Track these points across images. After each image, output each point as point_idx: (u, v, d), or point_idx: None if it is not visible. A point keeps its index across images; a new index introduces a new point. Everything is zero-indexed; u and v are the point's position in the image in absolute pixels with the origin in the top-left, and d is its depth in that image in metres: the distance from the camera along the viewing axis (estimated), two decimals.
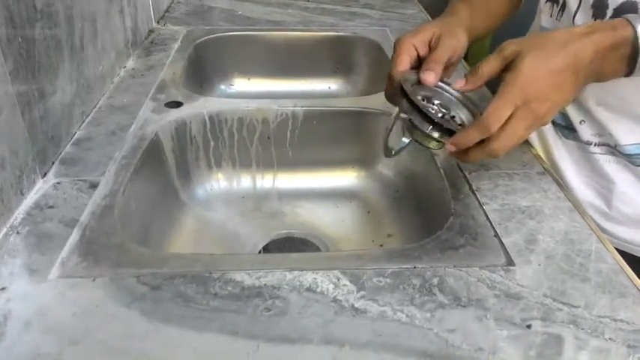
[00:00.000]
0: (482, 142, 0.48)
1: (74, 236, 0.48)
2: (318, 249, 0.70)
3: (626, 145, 0.59)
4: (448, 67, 0.54)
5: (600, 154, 0.61)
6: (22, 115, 0.52)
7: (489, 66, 0.48)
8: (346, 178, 0.78)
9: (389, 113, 0.59)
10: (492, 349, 0.38)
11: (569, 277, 0.45)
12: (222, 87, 1.00)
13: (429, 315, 0.41)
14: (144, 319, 0.40)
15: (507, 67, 0.47)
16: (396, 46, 0.54)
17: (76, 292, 0.42)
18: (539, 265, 0.46)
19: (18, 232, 0.48)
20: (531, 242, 0.49)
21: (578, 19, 0.56)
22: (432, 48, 0.54)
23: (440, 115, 0.51)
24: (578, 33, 0.46)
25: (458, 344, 0.39)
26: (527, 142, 0.66)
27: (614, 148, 0.60)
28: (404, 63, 0.53)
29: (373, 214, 0.74)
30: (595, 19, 0.54)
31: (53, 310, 0.40)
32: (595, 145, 0.61)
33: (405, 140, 0.54)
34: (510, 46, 0.47)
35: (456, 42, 0.54)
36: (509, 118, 0.45)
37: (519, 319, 0.41)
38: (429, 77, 0.51)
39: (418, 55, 0.54)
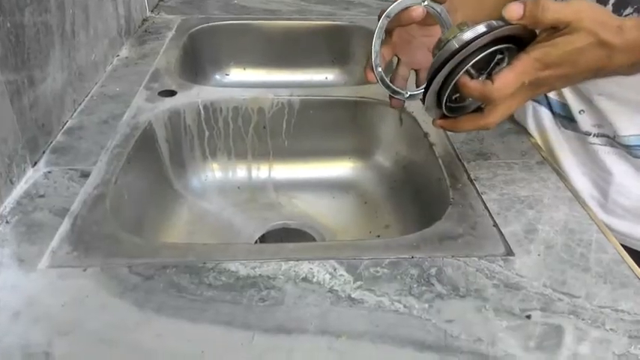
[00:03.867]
0: (474, 112, 0.46)
1: (65, 226, 0.47)
2: (314, 240, 0.69)
3: (625, 135, 0.58)
4: None
5: (599, 144, 0.61)
6: (10, 102, 0.51)
7: (555, 14, 0.41)
8: (343, 168, 0.77)
9: (386, 103, 0.58)
10: (491, 340, 0.38)
11: (570, 267, 0.44)
12: (218, 77, 0.99)
13: (427, 305, 0.40)
14: (136, 309, 0.39)
15: (551, 31, 0.42)
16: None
17: (67, 282, 0.41)
18: (539, 255, 0.46)
19: (7, 222, 0.47)
20: (531, 232, 0.48)
21: None
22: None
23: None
24: (625, 31, 0.42)
25: (456, 335, 0.38)
26: (526, 132, 0.65)
27: (613, 139, 0.59)
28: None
29: (370, 204, 0.73)
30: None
31: (43, 300, 0.40)
32: (594, 135, 0.61)
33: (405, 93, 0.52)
34: (573, 17, 0.41)
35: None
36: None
37: (519, 310, 0.40)
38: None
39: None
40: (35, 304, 0.39)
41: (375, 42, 0.51)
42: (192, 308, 0.39)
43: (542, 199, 0.52)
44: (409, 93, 0.55)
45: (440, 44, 0.44)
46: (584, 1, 0.43)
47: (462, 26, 0.43)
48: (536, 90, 0.45)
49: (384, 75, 0.53)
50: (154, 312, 0.39)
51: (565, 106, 0.62)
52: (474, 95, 0.45)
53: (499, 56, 0.45)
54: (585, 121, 0.60)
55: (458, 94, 0.48)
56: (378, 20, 0.51)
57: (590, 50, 0.42)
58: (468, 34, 0.42)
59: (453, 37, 0.43)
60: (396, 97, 0.55)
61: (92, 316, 0.38)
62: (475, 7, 0.57)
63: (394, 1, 0.49)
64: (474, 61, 0.43)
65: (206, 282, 0.42)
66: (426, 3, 0.50)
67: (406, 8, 0.49)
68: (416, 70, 0.58)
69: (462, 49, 0.42)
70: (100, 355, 0.36)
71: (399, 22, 0.51)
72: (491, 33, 0.42)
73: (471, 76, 0.45)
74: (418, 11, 0.49)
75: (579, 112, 0.60)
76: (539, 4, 0.41)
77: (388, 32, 0.53)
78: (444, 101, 0.46)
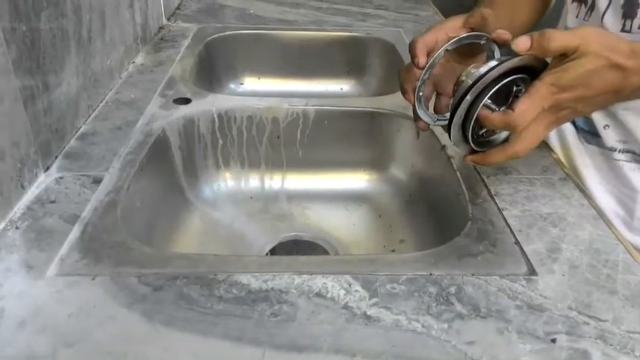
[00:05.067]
0: (501, 143, 0.46)
1: (75, 232, 0.46)
2: (326, 253, 0.68)
3: None
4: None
5: (624, 161, 0.59)
6: (24, 106, 0.50)
7: (561, 42, 0.42)
8: (357, 180, 0.75)
9: (403, 115, 0.57)
10: None
11: (596, 288, 0.42)
12: (232, 86, 0.98)
13: (446, 325, 0.39)
14: (144, 320, 0.38)
15: (561, 58, 0.43)
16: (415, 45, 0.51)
17: (74, 291, 0.40)
18: (563, 275, 0.44)
19: (17, 227, 0.46)
20: (554, 251, 0.46)
21: (607, 20, 0.54)
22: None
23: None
24: (635, 51, 0.43)
25: (477, 357, 0.36)
26: (548, 147, 0.63)
27: (639, 155, 0.58)
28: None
29: (385, 218, 0.71)
30: (625, 20, 0.52)
31: (49, 310, 0.38)
32: (619, 151, 0.59)
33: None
34: (579, 42, 0.42)
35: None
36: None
37: (543, 333, 0.38)
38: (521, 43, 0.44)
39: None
40: (41, 313, 0.38)
41: (427, 70, 0.50)
42: (202, 322, 0.38)
43: (566, 216, 0.51)
44: (436, 119, 0.53)
45: (458, 84, 0.46)
46: (591, 27, 0.44)
47: (477, 65, 0.45)
48: (558, 114, 0.45)
49: (422, 102, 0.53)
50: (163, 324, 0.38)
51: (589, 120, 0.60)
52: (496, 125, 0.45)
53: (516, 88, 0.46)
54: (610, 137, 0.58)
55: (484, 130, 0.49)
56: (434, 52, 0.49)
57: (602, 72, 0.42)
58: (481, 69, 0.45)
59: (469, 75, 0.45)
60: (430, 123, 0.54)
61: (99, 327, 0.37)
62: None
63: (451, 38, 0.49)
64: (491, 92, 0.45)
65: (217, 294, 0.40)
66: (484, 42, 0.50)
67: (465, 43, 0.50)
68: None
69: (477, 82, 0.44)
70: None
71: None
72: (503, 65, 0.44)
73: (493, 111, 0.46)
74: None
75: (604, 127, 0.58)
76: (545, 35, 0.42)
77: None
78: (470, 135, 0.47)
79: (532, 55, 0.44)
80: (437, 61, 0.49)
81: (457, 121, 0.46)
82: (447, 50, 0.49)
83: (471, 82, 0.45)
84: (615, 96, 0.45)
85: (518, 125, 0.43)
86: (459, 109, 0.46)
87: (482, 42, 0.50)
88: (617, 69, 0.43)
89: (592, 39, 0.42)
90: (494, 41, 0.48)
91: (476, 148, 0.49)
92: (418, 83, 0.50)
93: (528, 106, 0.43)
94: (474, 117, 0.45)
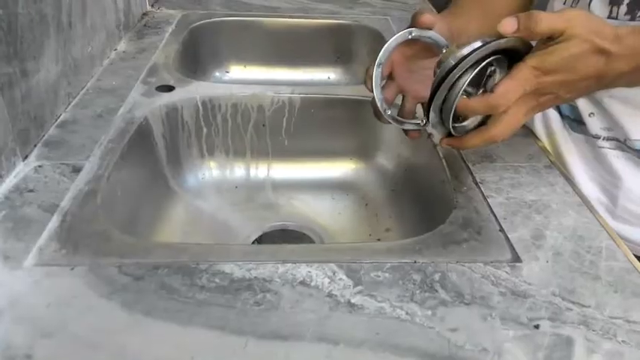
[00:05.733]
0: (479, 127, 0.46)
1: (53, 222, 0.45)
2: (312, 242, 0.67)
3: (636, 139, 0.56)
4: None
5: (609, 148, 0.59)
6: (1, 93, 0.49)
7: (548, 24, 0.41)
8: (343, 169, 0.75)
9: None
10: (498, 350, 0.36)
11: (579, 275, 0.43)
12: (217, 74, 0.97)
13: (430, 312, 0.38)
14: (124, 311, 0.37)
15: (546, 41, 0.43)
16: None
17: (53, 281, 0.39)
18: (547, 261, 0.44)
19: None
20: (538, 238, 0.46)
21: (594, 6, 0.53)
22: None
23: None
24: (619, 36, 0.42)
25: (461, 344, 0.36)
26: (533, 135, 0.63)
27: (623, 143, 0.58)
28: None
29: (371, 207, 0.71)
30: (612, 7, 0.52)
31: (27, 300, 0.38)
32: (603, 139, 0.59)
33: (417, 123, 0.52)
34: (565, 25, 0.41)
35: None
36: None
37: (526, 319, 0.38)
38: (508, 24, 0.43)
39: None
40: (19, 304, 0.37)
41: (376, 92, 0.51)
42: (183, 311, 0.37)
43: (550, 204, 0.51)
44: (425, 120, 0.53)
45: (439, 63, 0.45)
46: (578, 10, 0.43)
47: (460, 45, 0.44)
48: (540, 99, 0.45)
49: (395, 116, 0.53)
50: (143, 315, 0.37)
51: (574, 108, 0.60)
52: (476, 109, 0.44)
53: (490, 68, 0.45)
54: (595, 124, 0.58)
55: (460, 117, 0.48)
56: (371, 70, 0.50)
57: (586, 56, 0.42)
58: (464, 50, 0.43)
59: (451, 55, 0.44)
60: (412, 129, 0.54)
61: (78, 318, 0.36)
62: (481, 24, 0.56)
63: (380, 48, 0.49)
64: (473, 74, 0.43)
65: (199, 284, 0.40)
66: (413, 34, 0.50)
67: (395, 47, 0.50)
68: (422, 103, 0.56)
69: (460, 63, 0.43)
70: (84, 359, 0.34)
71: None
72: (487, 46, 0.43)
73: (469, 95, 0.45)
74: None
75: (589, 114, 0.58)
76: (532, 16, 0.42)
77: (388, 74, 0.53)
78: (449, 119, 0.46)
79: (517, 37, 0.43)
80: (378, 78, 0.50)
81: (437, 103, 0.45)
82: (379, 66, 0.49)
83: (453, 63, 0.43)
84: (598, 82, 0.44)
85: (500, 106, 0.43)
86: (439, 91, 0.45)
87: (411, 36, 0.49)
88: (601, 53, 0.42)
89: (578, 21, 0.41)
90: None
91: (453, 133, 0.48)
92: (378, 104, 0.51)
93: (510, 88, 0.42)
94: (456, 98, 0.44)
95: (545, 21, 0.41)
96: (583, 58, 0.42)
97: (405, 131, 0.55)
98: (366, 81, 0.51)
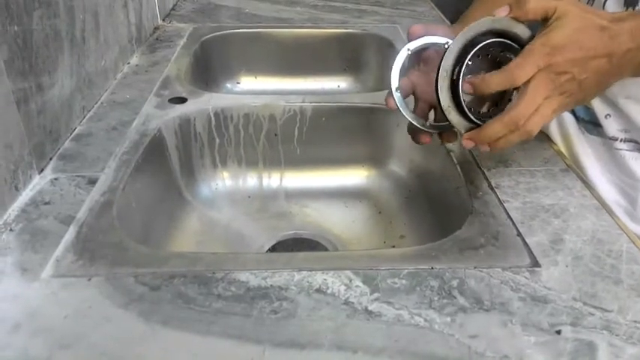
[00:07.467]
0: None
1: (70, 234, 0.45)
2: (326, 250, 0.67)
3: None
4: None
5: (626, 150, 0.58)
6: (17, 107, 0.49)
7: (537, 3, 0.43)
8: (356, 176, 0.75)
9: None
10: (519, 357, 0.35)
11: (600, 279, 0.42)
12: (229, 85, 0.98)
13: (449, 319, 0.38)
14: (141, 321, 0.37)
15: (544, 21, 0.43)
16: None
17: (70, 293, 0.39)
18: (567, 266, 0.43)
19: (11, 229, 0.46)
20: (557, 242, 0.45)
21: (609, 7, 0.53)
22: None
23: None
24: (617, 18, 0.43)
25: (481, 351, 0.36)
26: (548, 138, 0.63)
27: None
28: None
29: (385, 214, 0.71)
30: (627, 8, 0.51)
31: (44, 312, 0.38)
32: (621, 140, 0.58)
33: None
34: (555, 3, 0.43)
35: None
36: (531, 79, 0.42)
37: (547, 325, 0.38)
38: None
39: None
40: (37, 316, 0.37)
41: (405, 113, 0.50)
42: (200, 321, 0.37)
43: (568, 207, 0.50)
44: (429, 123, 0.52)
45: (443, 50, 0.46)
46: None
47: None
48: (556, 79, 0.43)
49: (433, 123, 0.52)
50: (160, 324, 0.37)
51: (590, 110, 0.59)
52: (492, 83, 0.43)
53: (501, 54, 0.45)
54: (611, 126, 0.57)
55: (484, 108, 0.47)
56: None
57: (588, 30, 0.42)
58: (467, 31, 0.45)
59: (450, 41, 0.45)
60: (418, 126, 0.52)
61: (95, 329, 0.36)
62: None
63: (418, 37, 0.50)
64: (475, 49, 0.44)
65: (215, 293, 0.40)
66: (410, 49, 0.50)
67: (427, 48, 0.50)
68: (434, 109, 0.56)
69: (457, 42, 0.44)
70: None
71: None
72: (480, 22, 0.44)
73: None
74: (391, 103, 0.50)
75: (605, 116, 0.57)
76: (521, 1, 0.43)
77: (411, 92, 0.53)
78: (464, 104, 0.45)
79: (514, 20, 0.44)
80: (402, 58, 0.50)
81: (443, 84, 0.45)
82: (408, 50, 0.49)
83: (451, 42, 0.45)
84: (609, 61, 0.43)
85: (516, 76, 0.42)
86: (441, 70, 0.45)
87: (447, 45, 0.48)
88: (602, 30, 0.42)
89: (568, 1, 0.43)
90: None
91: (470, 116, 0.46)
92: (392, 82, 0.50)
93: (522, 61, 0.42)
94: (462, 72, 0.44)
95: (534, 2, 0.43)
96: (585, 32, 0.42)
97: (414, 137, 0.54)
98: (391, 108, 0.51)
